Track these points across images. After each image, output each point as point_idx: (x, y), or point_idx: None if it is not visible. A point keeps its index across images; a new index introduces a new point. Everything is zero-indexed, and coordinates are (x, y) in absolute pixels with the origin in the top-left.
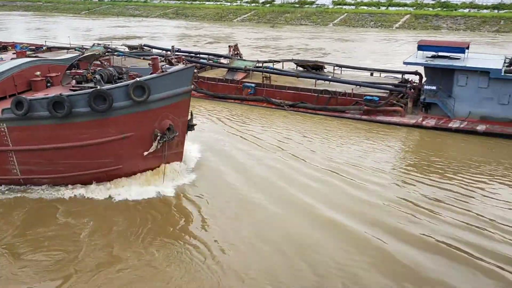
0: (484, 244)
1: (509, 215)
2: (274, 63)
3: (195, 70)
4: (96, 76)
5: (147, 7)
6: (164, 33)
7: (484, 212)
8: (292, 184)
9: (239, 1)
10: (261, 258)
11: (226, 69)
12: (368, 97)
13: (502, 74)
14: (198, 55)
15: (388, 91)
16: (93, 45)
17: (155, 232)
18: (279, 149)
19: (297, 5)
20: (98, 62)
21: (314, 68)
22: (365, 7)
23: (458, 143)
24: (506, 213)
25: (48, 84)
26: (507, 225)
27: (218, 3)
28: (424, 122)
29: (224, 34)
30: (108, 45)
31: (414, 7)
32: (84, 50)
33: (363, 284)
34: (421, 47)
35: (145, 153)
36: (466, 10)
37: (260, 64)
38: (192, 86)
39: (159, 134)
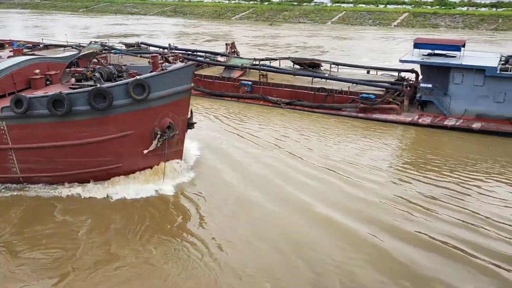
0: (480, 241)
1: (505, 212)
2: (271, 61)
3: None
4: (96, 74)
5: (145, 5)
6: (162, 31)
7: (480, 209)
8: (289, 182)
9: None
10: (258, 255)
11: (223, 67)
12: (364, 95)
13: (498, 72)
14: (195, 53)
15: (384, 89)
16: (90, 43)
17: (153, 230)
18: (276, 147)
19: (296, 3)
20: (95, 60)
21: (310, 66)
22: (363, 5)
23: (454, 141)
24: (502, 210)
25: (48, 82)
26: (503, 223)
27: (216, 1)
28: (420, 120)
29: (222, 32)
30: (105, 43)
31: (413, 5)
32: (81, 48)
33: (359, 281)
34: (417, 45)
35: (145, 151)
36: (464, 8)
37: (257, 62)
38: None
39: (159, 132)
